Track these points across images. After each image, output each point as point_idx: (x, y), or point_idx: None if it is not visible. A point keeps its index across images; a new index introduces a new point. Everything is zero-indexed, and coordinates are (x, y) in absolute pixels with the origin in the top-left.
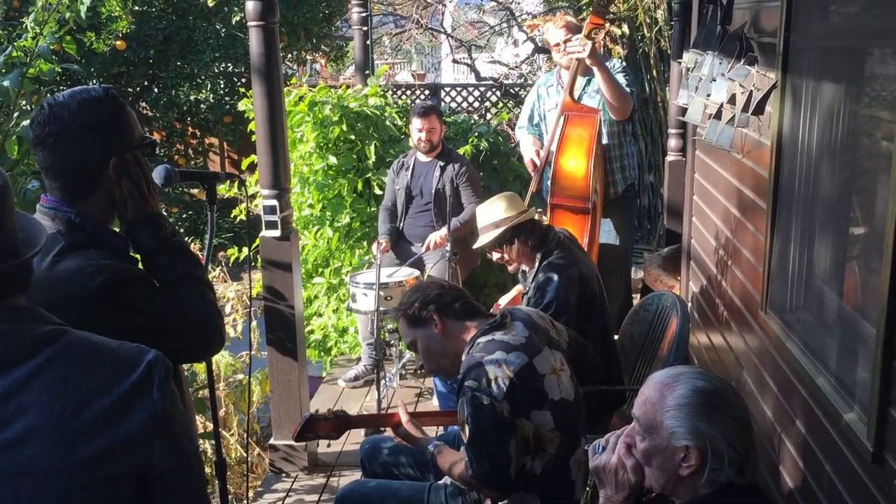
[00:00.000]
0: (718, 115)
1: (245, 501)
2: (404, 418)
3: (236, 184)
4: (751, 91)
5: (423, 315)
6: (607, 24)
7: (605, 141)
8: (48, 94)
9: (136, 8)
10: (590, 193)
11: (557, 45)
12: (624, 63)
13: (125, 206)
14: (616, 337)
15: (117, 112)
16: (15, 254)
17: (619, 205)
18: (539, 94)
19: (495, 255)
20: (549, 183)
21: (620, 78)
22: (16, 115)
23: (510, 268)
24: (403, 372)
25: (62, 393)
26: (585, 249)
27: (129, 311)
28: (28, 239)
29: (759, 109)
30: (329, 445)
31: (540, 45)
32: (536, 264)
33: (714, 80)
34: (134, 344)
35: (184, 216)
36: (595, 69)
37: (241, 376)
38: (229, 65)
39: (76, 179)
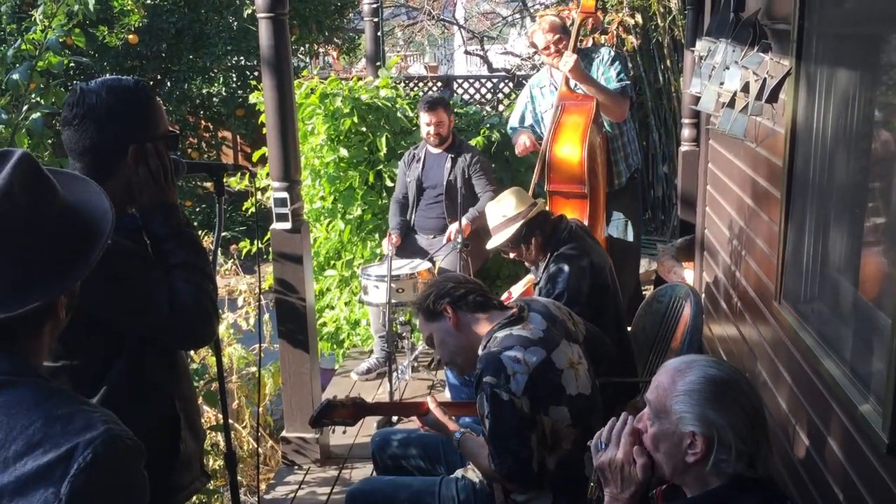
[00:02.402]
0: (732, 104)
1: (257, 493)
2: (432, 405)
3: (247, 176)
4: (764, 79)
5: (437, 309)
6: (611, 14)
7: (605, 129)
8: (58, 87)
9: (149, 2)
10: (585, 179)
11: (546, 48)
12: (613, 52)
13: (141, 193)
14: (629, 328)
15: (143, 103)
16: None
17: (626, 194)
18: (532, 94)
19: (511, 254)
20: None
21: (612, 73)
22: (25, 108)
23: (527, 263)
24: (415, 364)
25: None
26: None
27: (109, 284)
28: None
29: (773, 97)
30: (345, 432)
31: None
32: (549, 254)
33: (727, 68)
34: (91, 414)
35: (197, 209)
36: (581, 84)
37: (253, 369)
38: (241, 58)
39: (96, 161)
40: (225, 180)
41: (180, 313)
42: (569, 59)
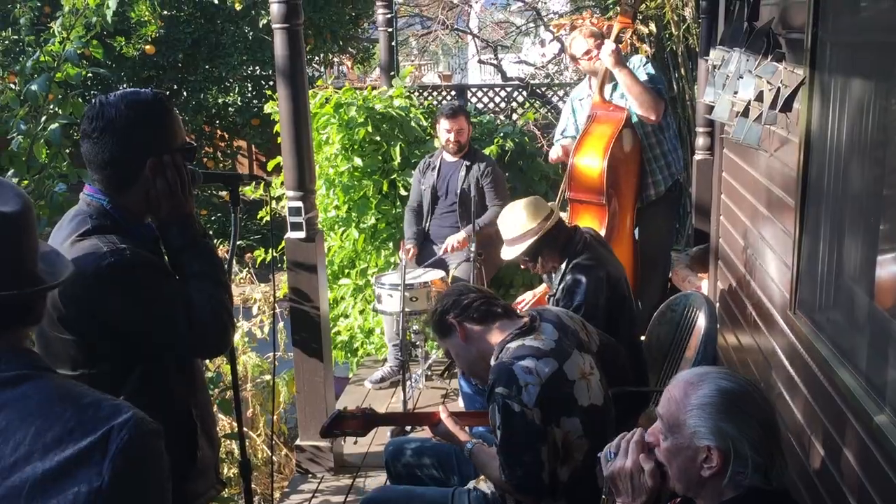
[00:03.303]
0: (746, 113)
1: (271, 502)
2: (444, 415)
3: (262, 185)
4: (778, 88)
5: (444, 324)
6: (637, 24)
7: (641, 140)
8: (76, 98)
9: (165, 12)
10: (604, 189)
11: (588, 52)
12: (644, 59)
13: (159, 205)
14: (643, 338)
15: (161, 115)
16: (24, 284)
17: (660, 205)
18: (574, 107)
19: (524, 266)
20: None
21: (646, 70)
22: (43, 119)
23: (541, 273)
24: (429, 373)
25: None
26: None
27: (129, 294)
28: (50, 271)
29: (787, 106)
30: (356, 443)
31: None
32: (564, 266)
33: (741, 77)
34: (114, 401)
35: (213, 218)
36: (617, 72)
37: (268, 377)
38: (257, 68)
39: (115, 173)
40: (240, 190)
41: (197, 324)
42: (608, 46)
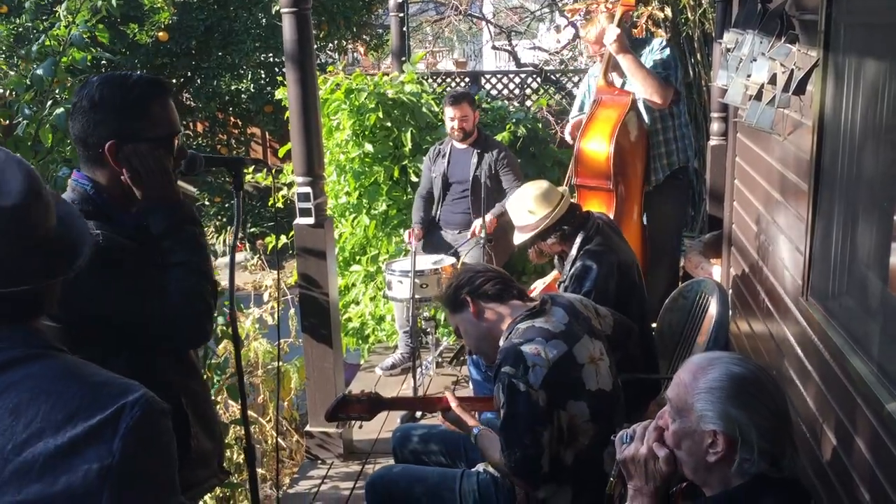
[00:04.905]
0: (759, 96)
1: (276, 487)
2: (454, 403)
3: (273, 171)
4: (792, 70)
5: (457, 299)
6: (640, 7)
7: (647, 127)
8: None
9: None
10: (611, 175)
11: (599, 40)
12: (663, 42)
13: (135, 190)
14: (654, 325)
15: (134, 100)
16: (28, 278)
17: (667, 192)
18: (590, 84)
19: (535, 254)
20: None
21: (662, 55)
22: (49, 103)
23: (553, 254)
24: (440, 360)
25: (8, 426)
26: None
27: (99, 280)
28: (66, 252)
29: (801, 89)
30: (361, 427)
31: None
32: (574, 251)
33: (754, 60)
34: (125, 380)
35: (226, 206)
36: (621, 58)
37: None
38: (270, 55)
39: (83, 153)
40: (252, 176)
41: (170, 314)
42: (611, 31)
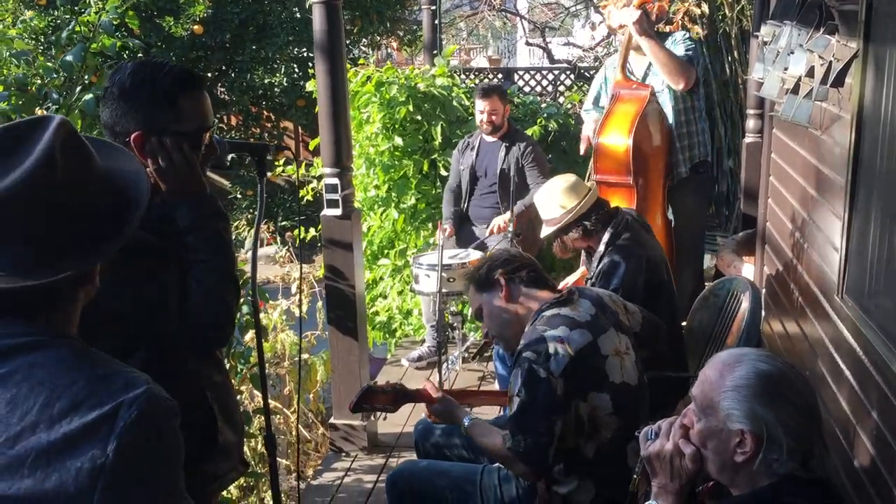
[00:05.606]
0: (796, 90)
1: (297, 479)
2: (436, 395)
3: (300, 163)
4: (830, 62)
5: (489, 279)
6: (677, 2)
7: (671, 121)
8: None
9: None
10: (631, 169)
11: (623, 25)
12: (687, 34)
13: (159, 182)
14: (684, 323)
15: (164, 92)
16: (45, 269)
17: (689, 186)
18: (606, 76)
19: (557, 247)
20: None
21: (680, 49)
22: (78, 89)
23: (580, 250)
24: (466, 355)
25: (3, 417)
26: None
27: (125, 275)
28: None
29: (839, 81)
30: (385, 418)
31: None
32: (602, 247)
33: (792, 53)
34: (130, 374)
35: (255, 198)
36: (642, 39)
37: (305, 356)
38: (304, 49)
39: (111, 139)
40: (282, 169)
41: (189, 315)
42: (633, 12)
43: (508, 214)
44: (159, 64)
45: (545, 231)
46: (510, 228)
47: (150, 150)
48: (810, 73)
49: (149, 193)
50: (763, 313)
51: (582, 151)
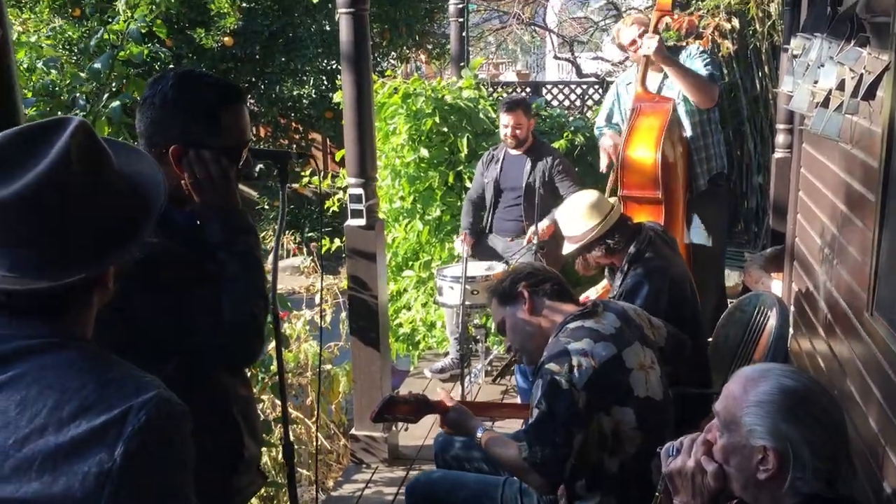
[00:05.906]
0: (826, 103)
1: (316, 490)
2: (450, 404)
3: (324, 173)
4: (861, 75)
5: (513, 291)
6: (676, 13)
7: (688, 133)
8: (139, 78)
9: (244, 4)
10: (660, 183)
11: (633, 42)
12: (701, 47)
13: (192, 195)
14: (710, 339)
15: (205, 107)
16: (57, 270)
17: (707, 199)
18: (619, 93)
19: (579, 264)
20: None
21: (698, 63)
22: (105, 96)
23: (601, 268)
24: (489, 368)
25: (12, 420)
26: None
27: (153, 289)
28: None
29: (870, 94)
30: (407, 429)
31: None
32: (626, 265)
33: (822, 66)
34: (141, 378)
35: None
36: (665, 67)
37: (328, 366)
38: (332, 61)
39: (147, 149)
40: (308, 179)
41: (221, 332)
42: (650, 41)
43: (548, 220)
44: (202, 75)
45: (567, 248)
46: (534, 241)
47: (188, 162)
48: (841, 86)
49: (166, 199)
50: (791, 330)
51: (603, 168)
